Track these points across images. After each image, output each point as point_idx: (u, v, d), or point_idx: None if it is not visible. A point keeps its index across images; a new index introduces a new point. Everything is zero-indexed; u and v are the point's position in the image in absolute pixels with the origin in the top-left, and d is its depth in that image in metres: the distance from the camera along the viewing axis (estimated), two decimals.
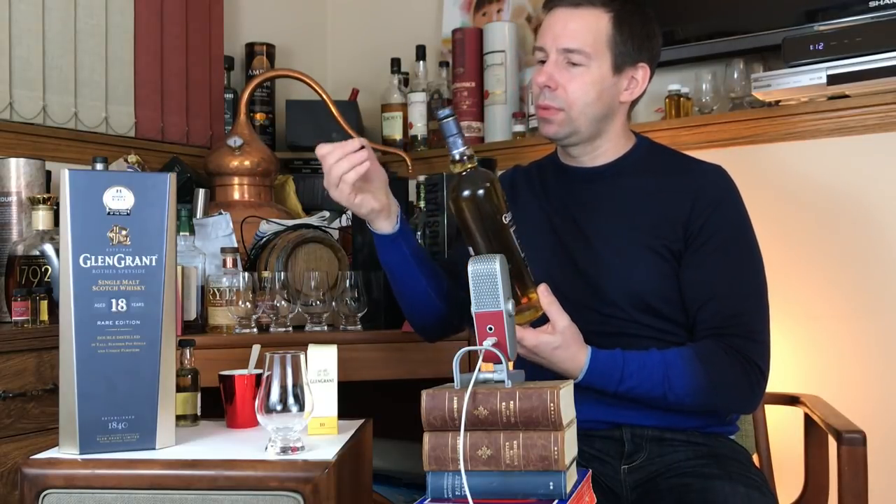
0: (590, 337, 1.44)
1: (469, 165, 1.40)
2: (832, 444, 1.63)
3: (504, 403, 1.14)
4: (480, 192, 1.39)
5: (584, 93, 1.55)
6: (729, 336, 1.48)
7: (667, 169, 1.61)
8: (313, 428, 1.40)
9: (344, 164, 1.46)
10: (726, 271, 1.52)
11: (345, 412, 1.44)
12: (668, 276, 1.54)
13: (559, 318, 1.40)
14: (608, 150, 1.62)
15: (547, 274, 1.51)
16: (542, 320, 1.41)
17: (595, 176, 1.63)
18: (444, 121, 1.42)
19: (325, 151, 1.47)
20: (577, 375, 1.42)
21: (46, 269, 1.81)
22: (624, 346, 1.47)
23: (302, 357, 1.30)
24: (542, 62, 1.58)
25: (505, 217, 1.40)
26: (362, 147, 1.47)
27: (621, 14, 1.55)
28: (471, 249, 1.41)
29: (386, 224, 1.55)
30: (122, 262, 1.29)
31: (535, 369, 1.47)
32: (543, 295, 1.40)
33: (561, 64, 1.55)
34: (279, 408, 1.26)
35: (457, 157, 1.41)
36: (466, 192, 1.39)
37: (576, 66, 1.54)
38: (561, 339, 1.39)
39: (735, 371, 1.46)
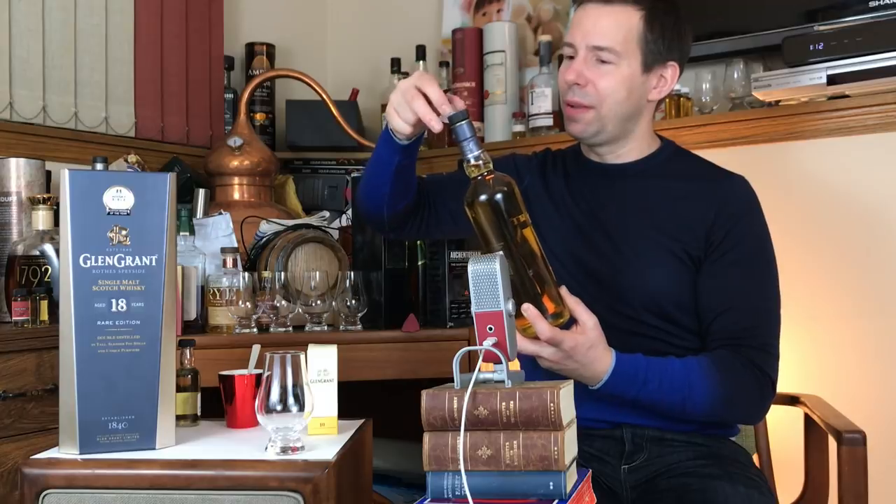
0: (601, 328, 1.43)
1: (484, 170, 1.36)
2: (832, 444, 1.63)
3: (504, 403, 1.14)
4: (498, 196, 1.34)
5: (614, 90, 1.53)
6: (744, 347, 1.48)
7: (692, 174, 1.60)
8: (313, 428, 1.40)
9: (427, 111, 1.41)
10: (745, 283, 1.51)
11: (345, 412, 1.44)
12: (685, 281, 1.53)
13: (587, 317, 1.37)
14: (633, 148, 1.62)
15: (565, 260, 1.50)
16: (565, 325, 1.39)
17: (619, 173, 1.62)
18: (458, 124, 1.37)
19: (433, 90, 1.42)
20: (601, 377, 1.40)
21: (46, 269, 1.81)
22: (632, 343, 1.46)
23: (302, 357, 1.30)
24: (571, 58, 1.56)
25: (522, 219, 1.36)
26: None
27: (653, 12, 1.53)
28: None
29: (400, 130, 1.48)
30: (122, 262, 1.29)
31: (535, 364, 1.47)
32: (567, 297, 1.37)
33: (590, 61, 1.53)
34: (279, 408, 1.26)
35: (472, 160, 1.36)
36: (483, 197, 1.34)
37: (605, 63, 1.52)
38: (594, 338, 1.37)
39: (750, 383, 1.47)
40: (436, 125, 1.41)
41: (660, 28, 1.54)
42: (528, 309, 1.31)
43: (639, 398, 1.43)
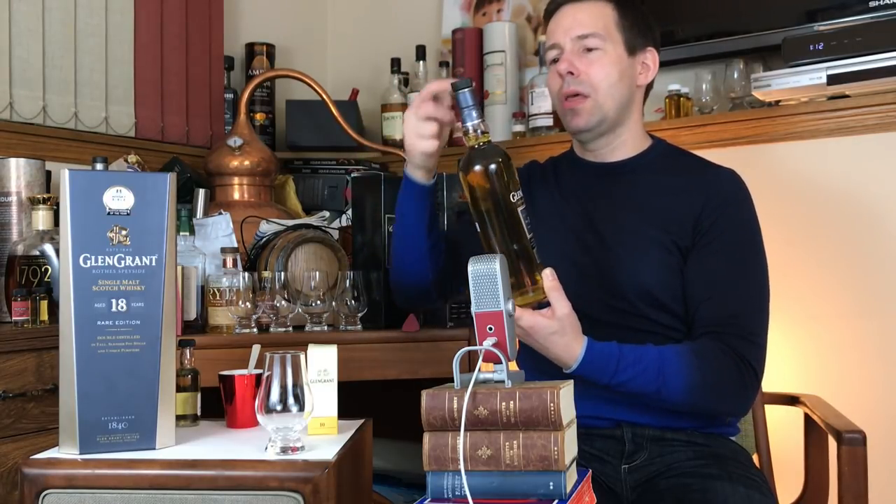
0: (593, 326, 1.44)
1: (482, 139, 1.38)
2: (832, 444, 1.63)
3: (504, 403, 1.14)
4: (492, 166, 1.36)
5: (607, 74, 1.58)
6: (727, 335, 1.48)
7: (682, 169, 1.63)
8: (313, 428, 1.40)
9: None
10: (730, 271, 1.52)
11: (345, 412, 1.44)
12: (677, 273, 1.54)
13: (560, 304, 1.38)
14: (626, 141, 1.64)
15: (557, 263, 1.51)
16: (546, 304, 1.40)
17: (611, 171, 1.64)
18: (461, 91, 1.39)
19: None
20: (570, 364, 1.41)
21: (46, 269, 1.81)
22: (626, 338, 1.46)
23: (302, 357, 1.30)
24: (555, 61, 1.61)
25: (514, 195, 1.37)
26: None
27: (622, 2, 1.61)
28: (477, 226, 1.39)
29: (423, 175, 1.57)
30: (122, 262, 1.29)
31: (535, 365, 1.47)
32: (548, 278, 1.38)
33: (578, 52, 1.59)
34: (279, 408, 1.26)
35: (470, 129, 1.38)
36: (477, 167, 1.36)
37: (592, 51, 1.58)
38: (558, 326, 1.38)
39: (730, 372, 1.46)
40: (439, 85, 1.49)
41: (632, 15, 1.61)
42: None
43: (611, 386, 1.43)
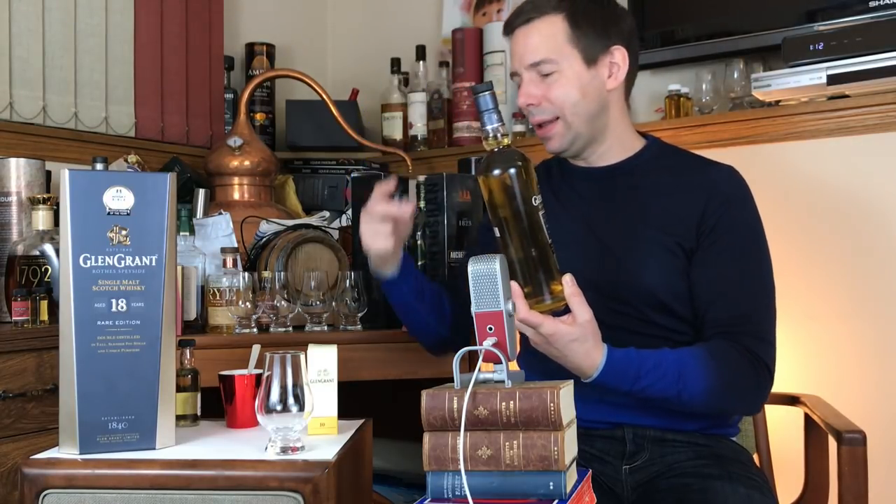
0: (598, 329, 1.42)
1: (502, 142, 1.37)
2: (832, 444, 1.63)
3: (504, 403, 1.14)
4: (512, 170, 1.35)
5: (567, 94, 1.55)
6: (739, 335, 1.47)
7: (679, 168, 1.61)
8: (313, 428, 1.40)
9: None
10: (737, 270, 1.51)
11: (345, 412, 1.44)
12: (681, 275, 1.53)
13: (582, 311, 1.35)
14: (614, 145, 1.62)
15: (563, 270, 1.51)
16: (563, 312, 1.38)
17: (606, 175, 1.63)
18: (481, 94, 1.37)
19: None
20: (590, 374, 1.38)
21: (46, 269, 1.81)
22: (631, 342, 1.45)
23: (302, 357, 1.30)
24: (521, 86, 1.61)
25: (535, 199, 1.35)
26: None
27: (574, 11, 1.56)
28: (496, 231, 1.37)
29: (386, 268, 1.62)
30: (122, 262, 1.29)
31: (538, 370, 1.47)
32: (568, 285, 1.35)
33: (534, 79, 1.57)
34: (279, 408, 1.27)
35: (489, 133, 1.37)
36: (497, 171, 1.35)
37: (548, 75, 1.56)
38: (580, 333, 1.35)
39: (746, 371, 1.46)
40: (391, 184, 1.56)
41: (586, 22, 1.56)
42: (513, 286, 1.29)
43: (632, 393, 1.42)
